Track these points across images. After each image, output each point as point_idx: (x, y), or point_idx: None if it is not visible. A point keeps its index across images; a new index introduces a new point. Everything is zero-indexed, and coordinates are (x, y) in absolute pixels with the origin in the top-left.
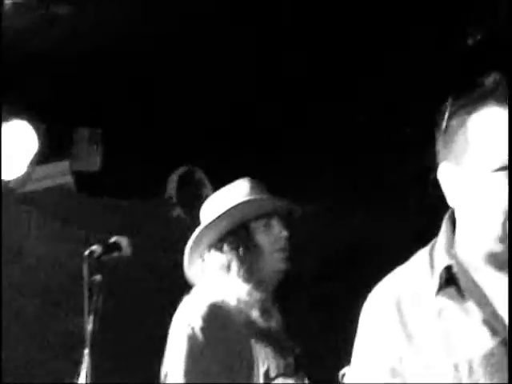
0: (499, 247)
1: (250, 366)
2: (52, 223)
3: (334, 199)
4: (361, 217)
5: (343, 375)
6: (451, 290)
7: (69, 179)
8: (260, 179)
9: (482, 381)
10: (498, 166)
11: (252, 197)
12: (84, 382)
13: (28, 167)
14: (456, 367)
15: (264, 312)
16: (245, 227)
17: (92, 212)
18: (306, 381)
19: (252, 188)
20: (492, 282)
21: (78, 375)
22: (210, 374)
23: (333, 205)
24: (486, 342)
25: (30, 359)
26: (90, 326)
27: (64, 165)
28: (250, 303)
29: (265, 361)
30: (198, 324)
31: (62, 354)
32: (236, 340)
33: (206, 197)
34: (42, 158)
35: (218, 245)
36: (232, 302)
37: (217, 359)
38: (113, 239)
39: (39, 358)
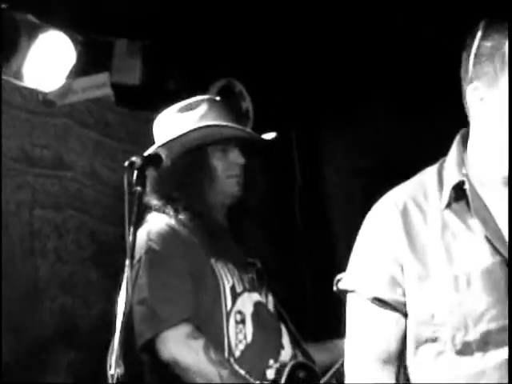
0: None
1: (216, 284)
2: (92, 136)
3: None
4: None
5: (338, 280)
6: (458, 205)
7: (108, 91)
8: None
9: (479, 295)
10: None
11: (212, 122)
12: (124, 294)
13: (66, 79)
14: (455, 278)
15: (217, 233)
16: (201, 149)
17: (131, 125)
18: (270, 295)
19: (213, 110)
20: (500, 204)
21: (120, 287)
22: (171, 286)
23: None
24: (485, 258)
25: (71, 272)
26: (130, 238)
27: (103, 77)
28: (201, 225)
29: (229, 277)
30: (157, 239)
31: (102, 267)
32: (196, 258)
33: (246, 110)
34: (80, 71)
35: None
36: (186, 222)
37: (178, 273)
38: (153, 151)
39: (80, 271)
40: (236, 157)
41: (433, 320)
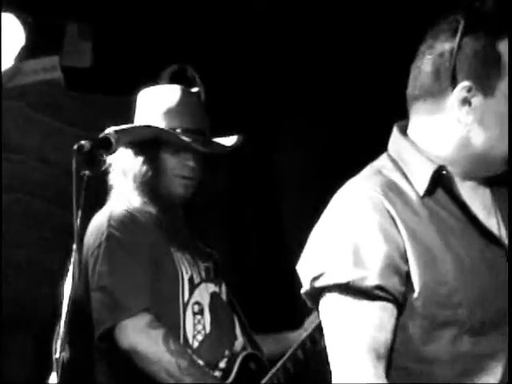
0: (495, 167)
1: (176, 274)
2: (41, 118)
3: None
4: None
5: (315, 278)
6: (437, 193)
7: (59, 75)
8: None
9: (483, 274)
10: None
11: (170, 122)
12: (71, 279)
13: (15, 61)
14: (460, 260)
15: (175, 223)
16: (157, 143)
17: (81, 108)
18: (224, 285)
19: (181, 106)
20: (464, 191)
21: (67, 272)
22: (132, 275)
23: None
24: (477, 242)
25: (27, 255)
26: (77, 222)
27: (54, 60)
28: (160, 214)
29: (187, 268)
30: (118, 225)
31: (55, 249)
32: (157, 247)
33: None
34: (30, 53)
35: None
36: (146, 211)
37: (139, 262)
38: (102, 134)
39: (34, 255)
40: (187, 159)
41: (451, 301)
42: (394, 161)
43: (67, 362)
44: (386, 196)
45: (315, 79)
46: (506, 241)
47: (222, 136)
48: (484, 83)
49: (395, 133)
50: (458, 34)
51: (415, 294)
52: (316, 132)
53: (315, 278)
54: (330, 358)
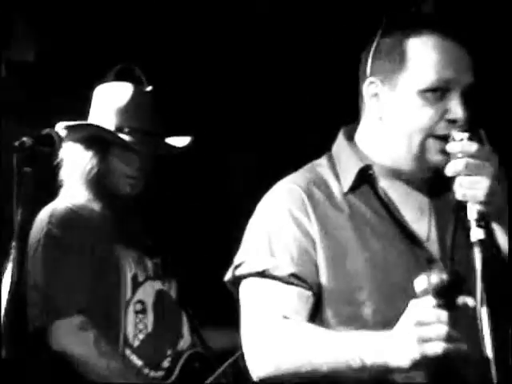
0: (410, 164)
1: (118, 273)
2: None
3: None
4: None
5: (236, 266)
6: (362, 190)
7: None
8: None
9: (393, 274)
10: (425, 87)
11: (122, 124)
12: (10, 274)
13: None
14: (372, 258)
15: (123, 219)
16: (106, 141)
17: (23, 104)
18: (174, 282)
19: (132, 105)
20: (395, 192)
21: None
22: (68, 275)
23: None
24: (396, 241)
25: None
26: (18, 218)
27: None
28: (107, 211)
29: (132, 266)
30: (58, 223)
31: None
32: (99, 245)
33: None
34: None
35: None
36: (92, 207)
37: (76, 262)
38: (45, 132)
39: None
40: (133, 158)
41: (354, 300)
42: (331, 159)
43: (5, 361)
44: (306, 190)
45: (267, 80)
46: (434, 245)
47: (176, 136)
48: (388, 77)
49: (340, 134)
50: (377, 35)
51: (322, 286)
52: (269, 133)
53: (236, 267)
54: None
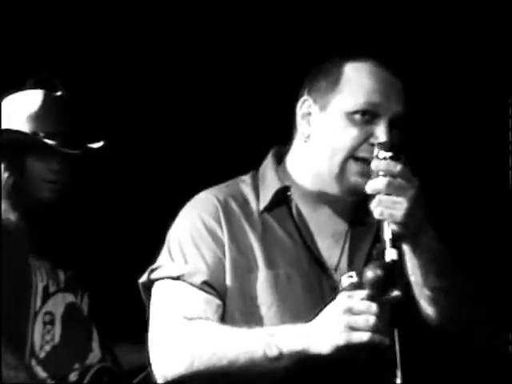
0: (330, 186)
1: (29, 283)
2: None
3: None
4: None
5: (152, 270)
6: (278, 211)
7: None
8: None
9: (296, 295)
10: (353, 109)
11: (35, 129)
12: None
13: None
14: (276, 278)
15: (35, 230)
16: (21, 147)
17: None
18: (86, 296)
19: (45, 109)
20: (313, 215)
21: None
22: None
23: None
24: (303, 263)
25: None
26: None
27: None
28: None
29: (44, 276)
30: None
31: None
32: (13, 255)
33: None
34: None
35: None
36: (10, 217)
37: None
38: None
39: None
40: (51, 162)
41: (251, 315)
42: (256, 177)
43: None
44: (223, 202)
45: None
46: (344, 273)
47: (92, 140)
48: (320, 98)
49: (270, 153)
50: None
51: (228, 298)
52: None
53: (152, 270)
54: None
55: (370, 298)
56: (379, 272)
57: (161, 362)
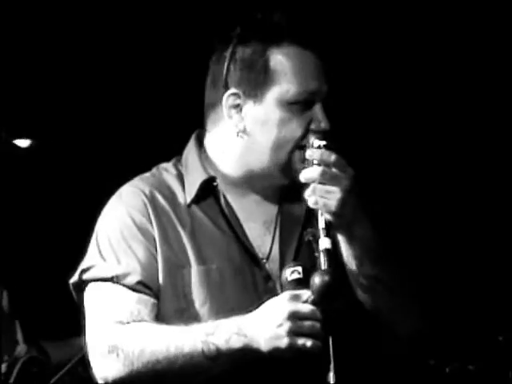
0: (278, 175)
1: None
2: None
3: None
4: None
5: (83, 270)
6: (206, 203)
7: None
8: None
9: (229, 290)
10: (290, 100)
11: None
12: None
13: None
14: (208, 273)
15: None
16: None
17: None
18: (6, 293)
19: None
20: (242, 203)
21: None
22: None
23: None
24: (235, 256)
25: None
26: None
27: None
28: None
29: None
30: None
31: None
32: None
33: None
34: None
35: None
36: None
37: None
38: None
39: None
40: None
41: (185, 312)
42: (179, 165)
43: None
44: (150, 198)
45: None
46: (275, 262)
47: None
48: (252, 90)
49: (192, 138)
50: (232, 43)
51: (161, 296)
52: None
53: (84, 271)
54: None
55: (315, 303)
56: (326, 278)
57: (100, 365)
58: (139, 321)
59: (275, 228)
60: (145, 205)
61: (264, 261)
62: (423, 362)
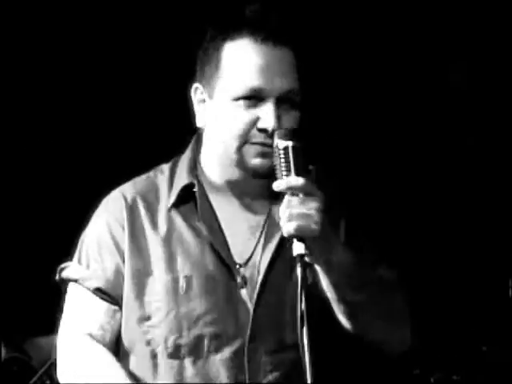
0: (234, 173)
1: None
2: None
3: None
4: None
5: (62, 269)
6: (186, 208)
7: None
8: None
9: (197, 299)
10: (236, 95)
11: None
12: None
13: None
14: (175, 281)
15: None
16: None
17: None
18: None
19: None
20: (226, 208)
21: None
22: None
23: None
24: (208, 264)
25: None
26: None
27: None
28: None
29: None
30: None
31: None
32: None
33: None
34: None
35: None
36: None
37: None
38: None
39: None
40: None
41: (148, 321)
42: (174, 166)
43: None
44: (130, 201)
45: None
46: (251, 268)
47: None
48: (208, 84)
49: (193, 138)
50: (206, 38)
51: (124, 304)
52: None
53: (61, 269)
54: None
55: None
56: None
57: (58, 369)
58: (100, 329)
59: (261, 232)
60: (121, 212)
61: (238, 267)
62: (408, 372)
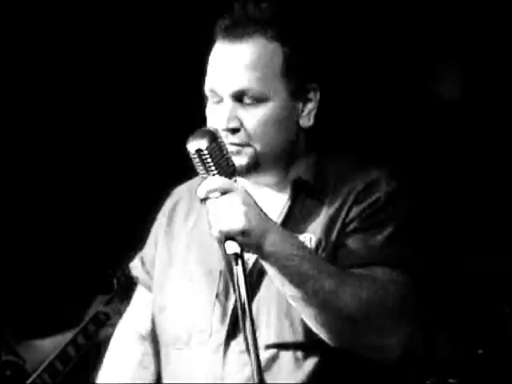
0: None
1: None
2: None
3: None
4: None
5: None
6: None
7: None
8: None
9: (199, 292)
10: (206, 96)
11: None
12: None
13: None
14: (184, 274)
15: None
16: None
17: None
18: None
19: None
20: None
21: None
22: None
23: None
24: (214, 257)
25: None
26: None
27: None
28: None
29: None
30: None
31: None
32: None
33: None
34: None
35: None
36: None
37: None
38: None
39: None
40: None
41: (164, 310)
42: None
43: None
44: (179, 197)
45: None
46: (249, 262)
47: None
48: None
49: None
50: None
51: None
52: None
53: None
54: None
55: None
56: None
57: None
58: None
59: (281, 224)
60: (170, 207)
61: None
62: (403, 376)
